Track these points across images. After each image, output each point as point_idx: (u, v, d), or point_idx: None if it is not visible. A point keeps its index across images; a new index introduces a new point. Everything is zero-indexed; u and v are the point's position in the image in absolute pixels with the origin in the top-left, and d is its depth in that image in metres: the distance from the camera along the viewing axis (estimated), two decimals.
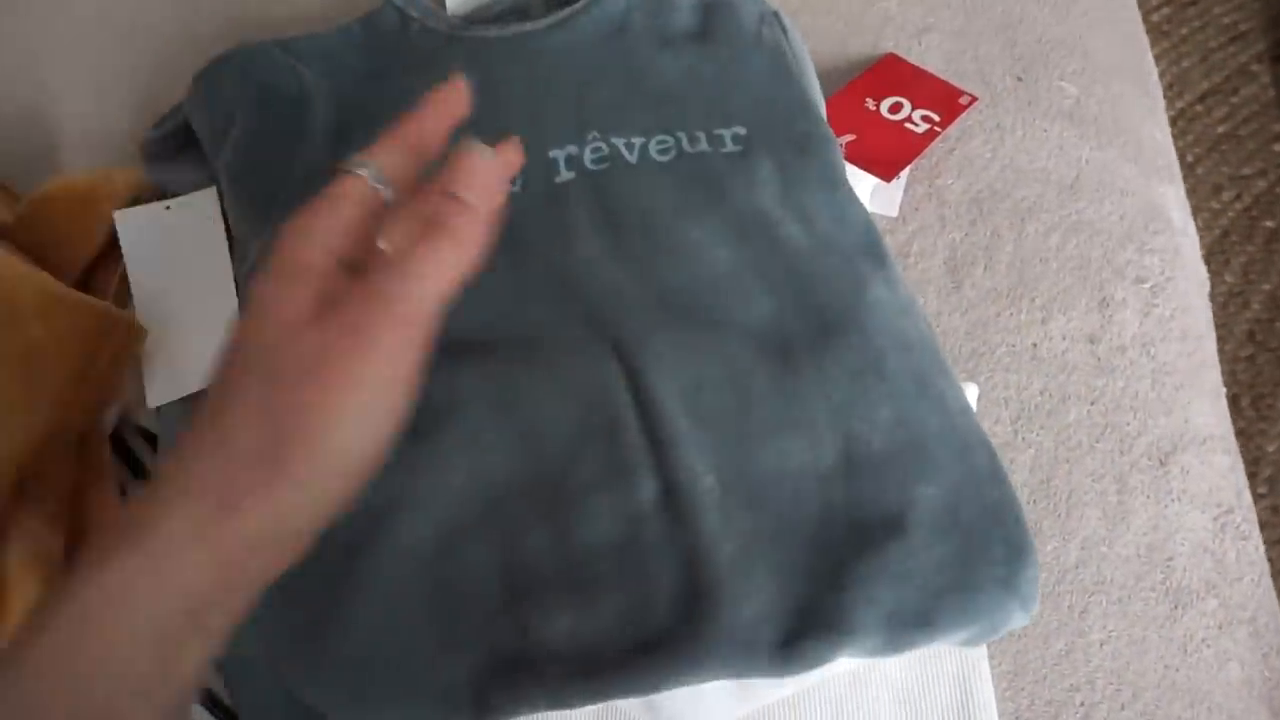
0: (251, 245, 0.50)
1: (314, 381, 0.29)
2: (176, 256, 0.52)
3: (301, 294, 0.30)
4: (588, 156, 0.51)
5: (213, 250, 0.53)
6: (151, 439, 0.53)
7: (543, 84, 0.53)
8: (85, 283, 0.51)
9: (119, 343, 0.46)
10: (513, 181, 0.50)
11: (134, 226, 0.52)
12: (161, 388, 0.50)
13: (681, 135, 0.51)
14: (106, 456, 0.50)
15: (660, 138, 0.51)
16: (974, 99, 0.60)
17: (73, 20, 0.66)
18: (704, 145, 0.51)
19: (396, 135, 0.35)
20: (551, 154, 0.51)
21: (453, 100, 0.36)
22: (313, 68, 0.54)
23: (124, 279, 0.52)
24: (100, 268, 0.52)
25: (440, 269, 0.31)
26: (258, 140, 0.51)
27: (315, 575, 0.37)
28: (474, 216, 0.32)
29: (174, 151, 0.55)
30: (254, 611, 0.30)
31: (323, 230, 0.32)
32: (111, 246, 0.52)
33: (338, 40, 0.56)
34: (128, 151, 0.57)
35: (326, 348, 0.30)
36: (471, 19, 0.58)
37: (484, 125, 0.52)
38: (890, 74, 0.61)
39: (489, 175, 0.33)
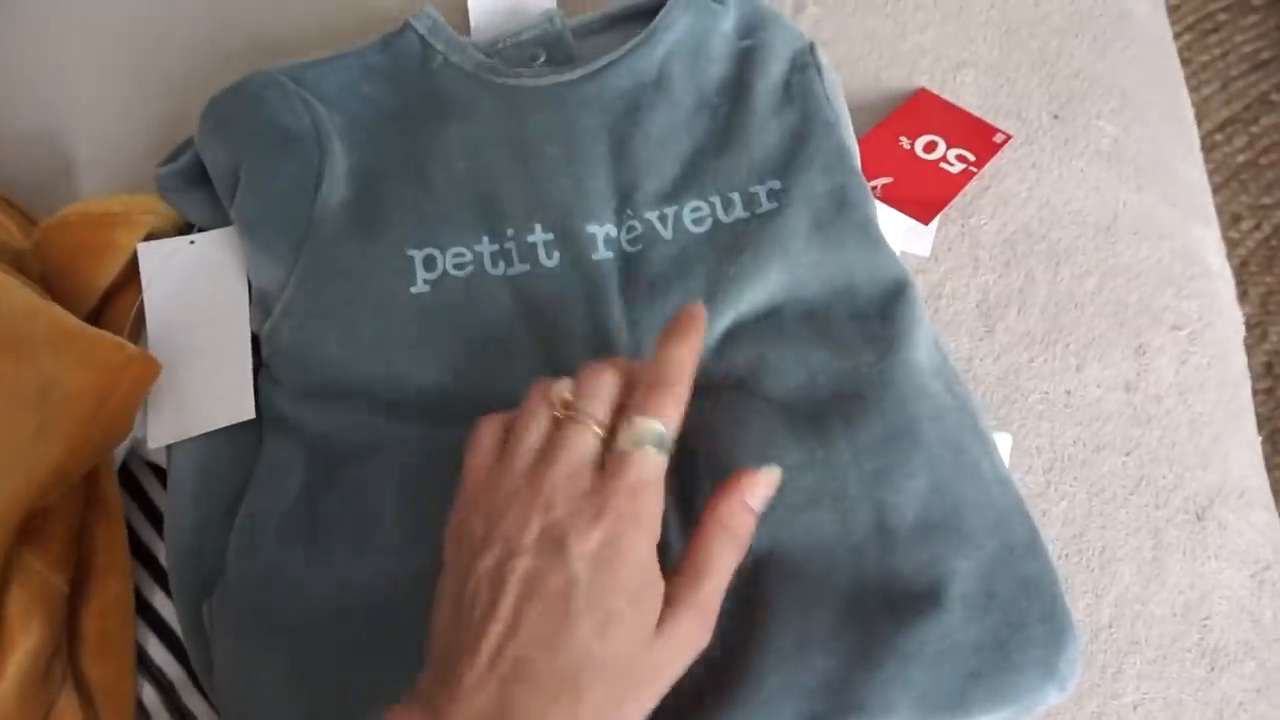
0: (273, 293, 0.49)
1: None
2: (195, 293, 0.51)
3: None
4: (624, 237, 0.50)
5: (232, 290, 0.51)
6: (161, 474, 0.52)
7: (579, 145, 0.52)
8: (99, 312, 0.50)
9: (134, 379, 0.44)
10: (549, 254, 0.49)
11: (156, 259, 0.51)
12: (165, 428, 0.49)
13: (715, 200, 0.50)
14: (115, 493, 0.49)
15: (694, 204, 0.50)
16: (1009, 137, 0.59)
17: (91, 38, 0.65)
18: (739, 209, 0.50)
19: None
20: (590, 230, 0.50)
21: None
22: (328, 102, 0.52)
23: (139, 312, 0.50)
24: (116, 299, 0.50)
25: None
26: (272, 186, 0.50)
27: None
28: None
29: (188, 184, 0.54)
30: None
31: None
32: (129, 277, 0.51)
33: (355, 69, 0.54)
34: (147, 173, 0.56)
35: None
36: (495, 50, 0.57)
37: (519, 187, 0.51)
38: (923, 110, 0.60)
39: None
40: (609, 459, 0.36)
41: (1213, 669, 0.48)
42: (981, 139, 0.59)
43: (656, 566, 0.35)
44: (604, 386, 0.37)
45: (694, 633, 0.35)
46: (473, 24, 0.60)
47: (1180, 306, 0.57)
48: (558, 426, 0.37)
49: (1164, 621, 0.49)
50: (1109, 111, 0.61)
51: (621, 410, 0.37)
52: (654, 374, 0.37)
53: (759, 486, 0.38)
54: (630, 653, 0.33)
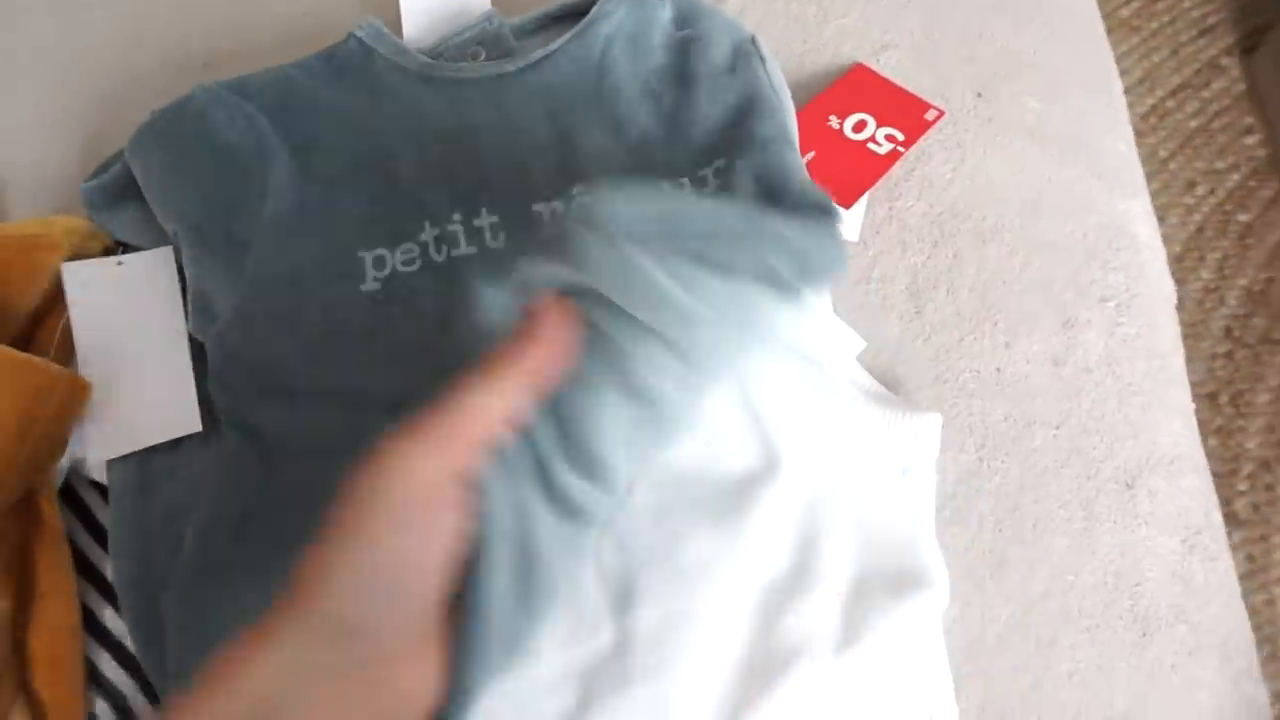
0: (221, 301, 0.49)
1: None
2: (126, 311, 0.51)
3: None
4: (572, 213, 0.50)
5: (166, 307, 0.51)
6: (104, 491, 0.52)
7: (524, 132, 0.52)
8: (29, 337, 0.50)
9: (61, 401, 0.45)
10: (495, 235, 0.50)
11: (82, 280, 0.51)
12: (109, 445, 0.49)
13: (664, 185, 0.51)
14: (54, 513, 0.49)
15: None
16: (941, 113, 0.60)
17: (11, 57, 0.65)
18: (689, 192, 0.51)
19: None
20: (535, 208, 0.50)
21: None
22: (271, 112, 0.52)
23: (67, 333, 0.51)
24: (44, 322, 0.50)
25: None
26: (219, 200, 0.50)
27: None
28: None
29: (115, 199, 0.54)
30: None
31: None
32: (54, 299, 0.51)
33: (298, 77, 0.54)
34: (73, 195, 0.56)
35: None
36: (437, 53, 0.57)
37: (465, 174, 0.52)
38: (857, 87, 0.60)
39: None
40: None
41: (1144, 634, 0.49)
42: (913, 116, 0.59)
43: None
44: None
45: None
46: (405, 30, 0.60)
47: (1108, 279, 0.57)
48: None
49: (1096, 590, 0.50)
50: (1032, 88, 0.62)
51: None
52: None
53: None
54: None
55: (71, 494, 0.52)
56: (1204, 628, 0.50)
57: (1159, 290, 0.59)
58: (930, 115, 0.60)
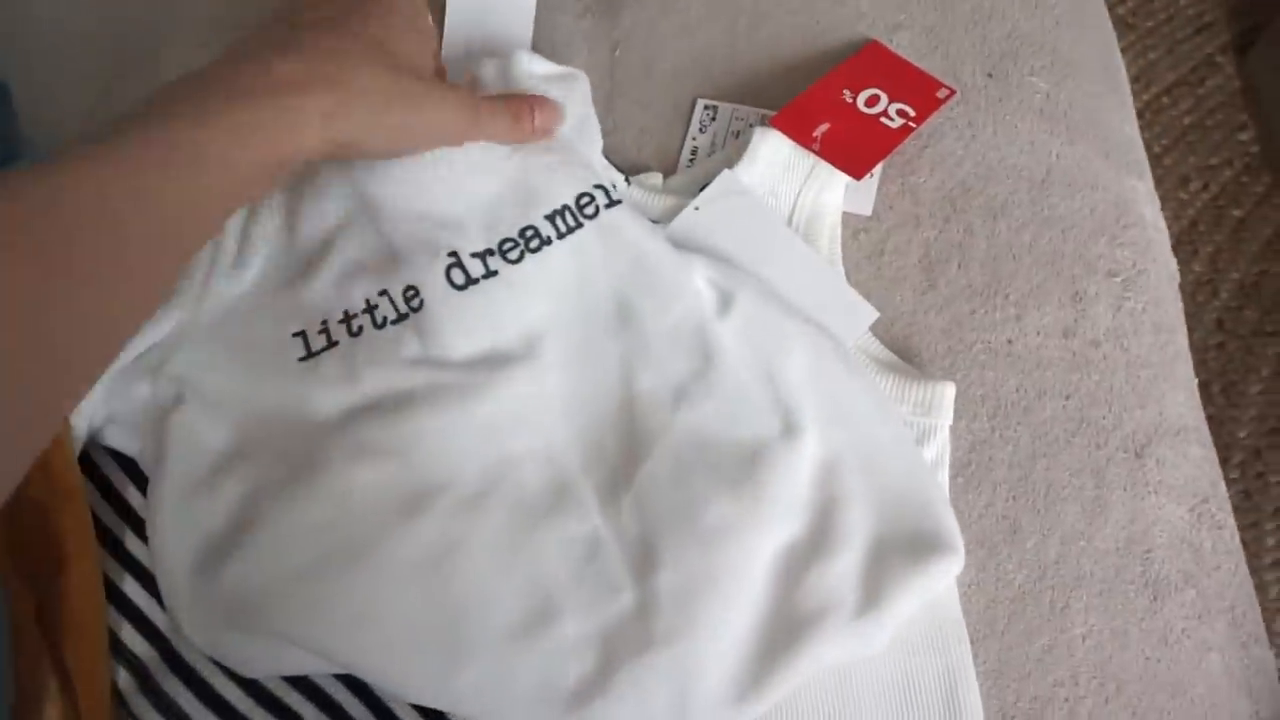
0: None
1: None
2: None
3: None
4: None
5: None
6: (122, 460, 0.52)
7: None
8: None
9: None
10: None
11: None
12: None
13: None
14: (76, 477, 0.49)
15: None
16: (952, 91, 0.61)
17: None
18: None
19: None
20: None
21: None
22: None
23: None
24: None
25: None
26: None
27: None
28: None
29: None
30: None
31: None
32: None
33: None
34: None
35: None
36: None
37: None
38: (871, 63, 0.61)
39: None
40: None
41: (1155, 598, 0.50)
42: (925, 93, 0.60)
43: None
44: None
45: (453, 116, 0.48)
46: (447, 31, 0.61)
47: (1115, 254, 0.58)
48: None
49: (1108, 556, 0.51)
50: (1041, 69, 0.63)
51: None
52: None
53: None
54: (401, 58, 0.46)
55: (89, 464, 0.52)
56: (1212, 593, 0.51)
57: (1164, 268, 0.60)
58: (942, 94, 0.61)
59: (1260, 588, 1.08)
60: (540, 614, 0.45)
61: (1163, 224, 0.62)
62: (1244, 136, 1.36)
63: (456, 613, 0.45)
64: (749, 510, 0.46)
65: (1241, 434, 1.17)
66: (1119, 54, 0.68)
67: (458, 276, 0.50)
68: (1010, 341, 0.55)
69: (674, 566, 0.45)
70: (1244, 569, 0.52)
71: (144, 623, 0.49)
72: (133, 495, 0.52)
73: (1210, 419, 0.57)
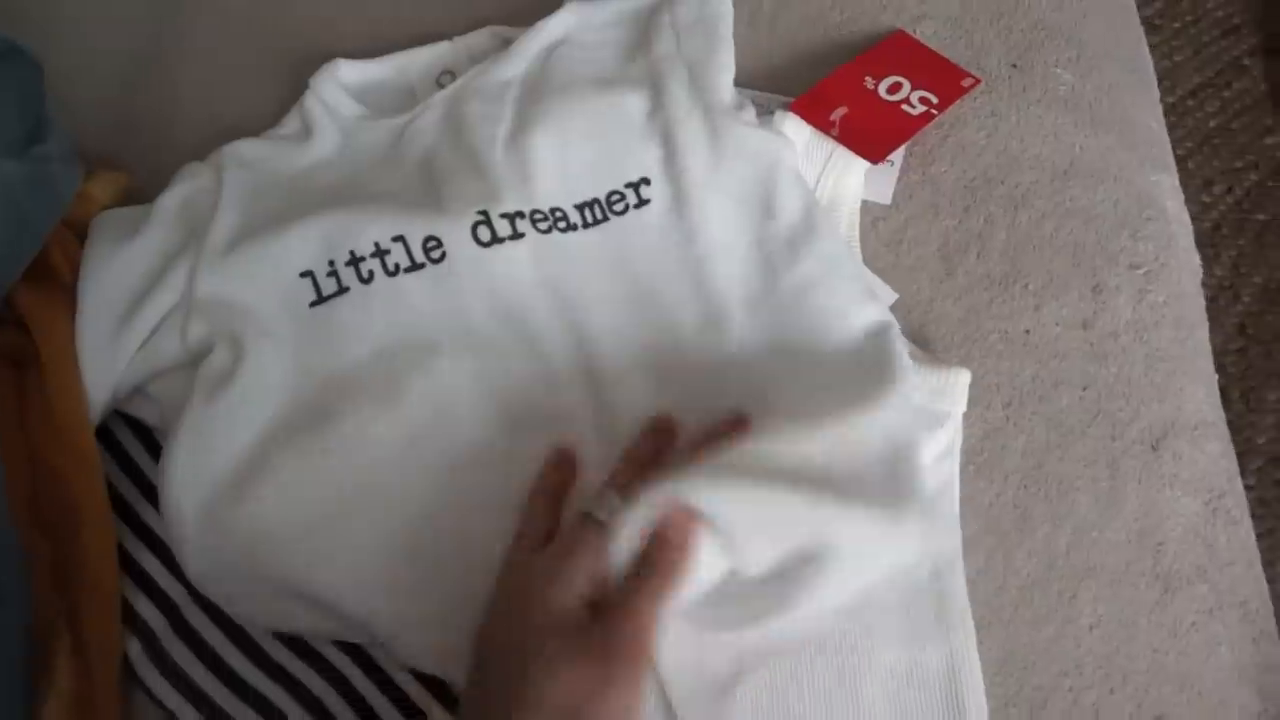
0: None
1: None
2: None
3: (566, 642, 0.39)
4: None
5: None
6: (141, 432, 0.53)
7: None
8: None
9: None
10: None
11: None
12: None
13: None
14: (92, 443, 0.50)
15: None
16: (976, 80, 0.60)
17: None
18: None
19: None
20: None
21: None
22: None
23: None
24: None
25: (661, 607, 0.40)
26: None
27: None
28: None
29: None
30: None
31: (581, 578, 0.40)
32: None
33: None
34: None
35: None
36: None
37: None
38: (895, 52, 0.61)
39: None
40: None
41: (1166, 591, 0.50)
42: (949, 82, 0.60)
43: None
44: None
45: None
46: None
47: (1136, 247, 0.58)
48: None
49: (1119, 548, 0.51)
50: (1066, 60, 0.63)
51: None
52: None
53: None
54: None
55: (106, 434, 0.53)
56: (1224, 588, 0.50)
57: (1186, 263, 0.60)
58: (966, 82, 0.60)
59: (1277, 596, 1.07)
60: None
61: (1186, 218, 0.62)
62: (1270, 141, 1.34)
63: (462, 562, 0.45)
64: None
65: (1260, 440, 1.16)
66: (1146, 48, 0.68)
67: (484, 234, 0.50)
68: (1028, 331, 0.55)
69: None
70: (1258, 565, 0.52)
71: (157, 593, 0.50)
72: (150, 468, 0.52)
73: (1229, 424, 0.56)
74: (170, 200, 0.53)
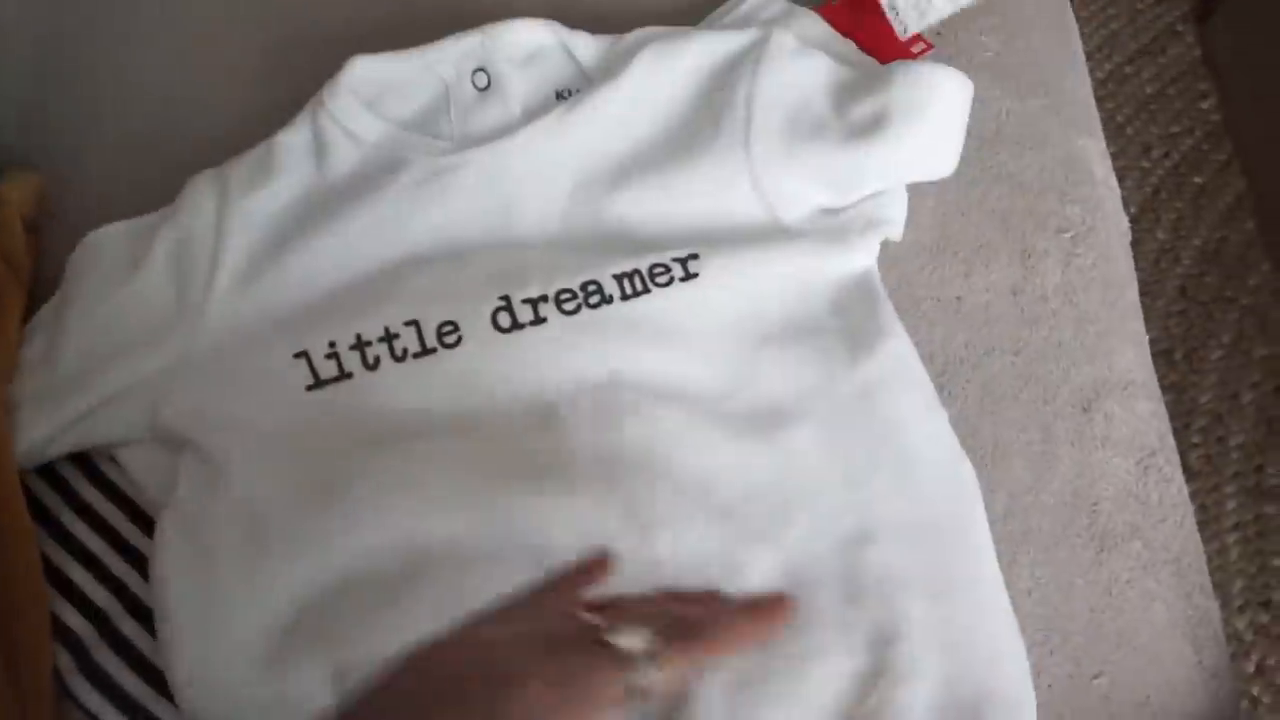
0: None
1: None
2: None
3: None
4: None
5: None
6: (81, 463, 0.51)
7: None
8: None
9: None
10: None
11: None
12: None
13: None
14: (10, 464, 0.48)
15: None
16: (929, 46, 0.60)
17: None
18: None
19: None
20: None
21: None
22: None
23: None
24: None
25: None
26: None
27: None
28: None
29: None
30: None
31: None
32: None
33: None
34: None
35: None
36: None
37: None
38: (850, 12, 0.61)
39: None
40: None
41: (1101, 550, 0.50)
42: (899, 49, 0.60)
43: None
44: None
45: None
46: None
47: (1065, 211, 0.58)
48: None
49: (1055, 510, 0.51)
50: (990, 27, 0.63)
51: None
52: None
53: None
54: None
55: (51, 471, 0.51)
56: (1158, 544, 0.51)
57: (1115, 225, 0.60)
58: (918, 48, 0.60)
59: (1221, 551, 1.09)
60: None
61: (1114, 182, 0.62)
62: (1205, 105, 1.36)
63: None
64: None
65: (1203, 399, 1.18)
66: (1071, 14, 0.68)
67: (504, 320, 0.49)
68: (959, 298, 0.55)
69: None
70: (1191, 521, 0.52)
71: (85, 602, 0.49)
72: (69, 473, 0.51)
73: (1172, 384, 0.57)
74: (167, 241, 0.50)
